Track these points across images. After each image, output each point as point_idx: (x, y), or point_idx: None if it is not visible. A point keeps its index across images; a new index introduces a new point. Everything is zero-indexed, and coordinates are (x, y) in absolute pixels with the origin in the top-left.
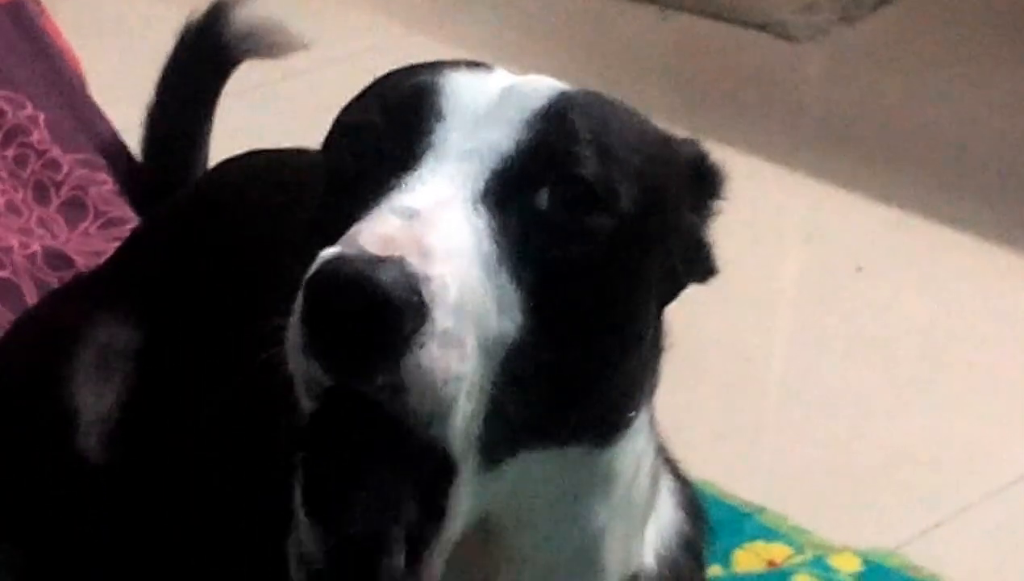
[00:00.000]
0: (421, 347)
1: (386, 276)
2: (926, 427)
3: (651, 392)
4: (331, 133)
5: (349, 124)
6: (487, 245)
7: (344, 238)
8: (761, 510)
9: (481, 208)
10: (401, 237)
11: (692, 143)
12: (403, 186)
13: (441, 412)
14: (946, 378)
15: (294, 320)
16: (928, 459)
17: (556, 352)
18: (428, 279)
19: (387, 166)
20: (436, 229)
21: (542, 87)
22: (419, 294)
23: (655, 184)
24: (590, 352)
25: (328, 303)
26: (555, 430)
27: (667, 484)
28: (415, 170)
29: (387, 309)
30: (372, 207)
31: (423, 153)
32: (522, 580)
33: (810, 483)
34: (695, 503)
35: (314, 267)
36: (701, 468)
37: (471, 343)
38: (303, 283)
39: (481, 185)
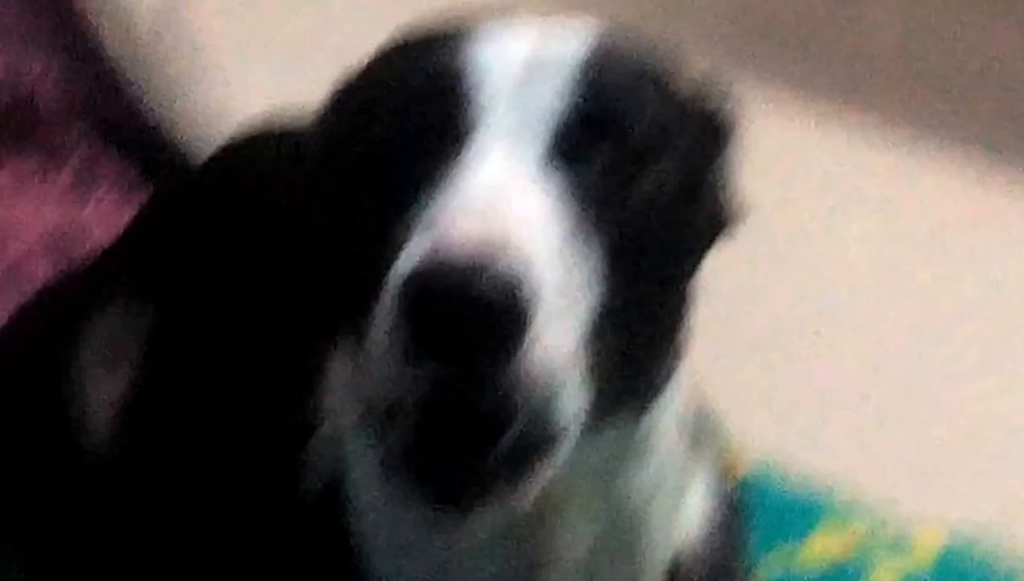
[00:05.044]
0: (533, 342)
1: (495, 282)
2: (1010, 401)
3: (686, 351)
4: (349, 113)
5: (378, 106)
6: (561, 219)
7: (433, 237)
8: (835, 488)
9: (547, 180)
10: (493, 229)
11: (708, 83)
12: (465, 165)
13: (552, 398)
14: None
15: (384, 327)
16: (1014, 435)
17: (628, 315)
18: (531, 273)
19: (433, 145)
20: (521, 213)
21: (572, 42)
22: (528, 292)
23: (688, 136)
24: (657, 310)
25: (435, 313)
26: (628, 394)
27: (705, 453)
28: (470, 146)
29: (501, 316)
30: (433, 191)
31: (472, 127)
32: (573, 557)
33: (888, 459)
34: (732, 473)
35: (409, 274)
36: (772, 444)
37: (572, 324)
38: (397, 290)
39: (540, 156)
